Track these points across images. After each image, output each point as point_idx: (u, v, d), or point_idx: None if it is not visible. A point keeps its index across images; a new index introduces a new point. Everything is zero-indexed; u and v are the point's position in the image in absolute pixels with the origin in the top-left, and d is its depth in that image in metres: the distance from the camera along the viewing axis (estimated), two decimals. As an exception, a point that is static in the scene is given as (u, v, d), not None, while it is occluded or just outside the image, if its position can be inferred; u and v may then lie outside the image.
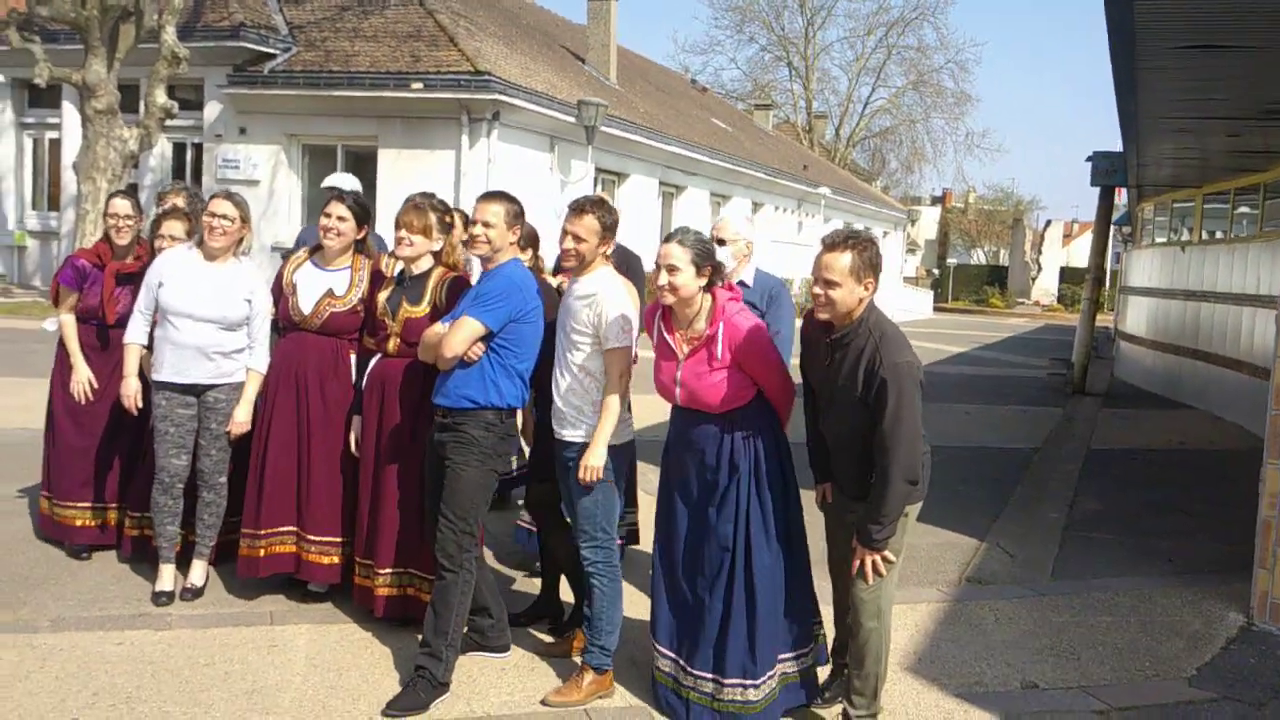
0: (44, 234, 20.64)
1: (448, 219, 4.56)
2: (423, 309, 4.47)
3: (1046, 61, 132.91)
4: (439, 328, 4.18)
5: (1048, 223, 61.64)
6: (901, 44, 53.07)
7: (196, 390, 4.88)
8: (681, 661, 3.99)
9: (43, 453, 5.61)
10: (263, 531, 4.81)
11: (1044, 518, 7.70)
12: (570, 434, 4.13)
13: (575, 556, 4.27)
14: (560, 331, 4.18)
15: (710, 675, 3.91)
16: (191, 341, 4.82)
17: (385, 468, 4.56)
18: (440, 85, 17.17)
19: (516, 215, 4.26)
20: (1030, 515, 7.77)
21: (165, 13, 16.19)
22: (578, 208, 4.14)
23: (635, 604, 4.82)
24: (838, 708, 4.03)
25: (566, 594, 4.87)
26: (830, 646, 4.29)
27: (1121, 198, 20.09)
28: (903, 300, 36.78)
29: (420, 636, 4.14)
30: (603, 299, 4.03)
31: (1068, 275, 53.18)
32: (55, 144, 20.27)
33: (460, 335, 4.04)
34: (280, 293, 4.92)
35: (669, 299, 3.92)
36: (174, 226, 5.31)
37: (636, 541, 5.40)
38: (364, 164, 17.59)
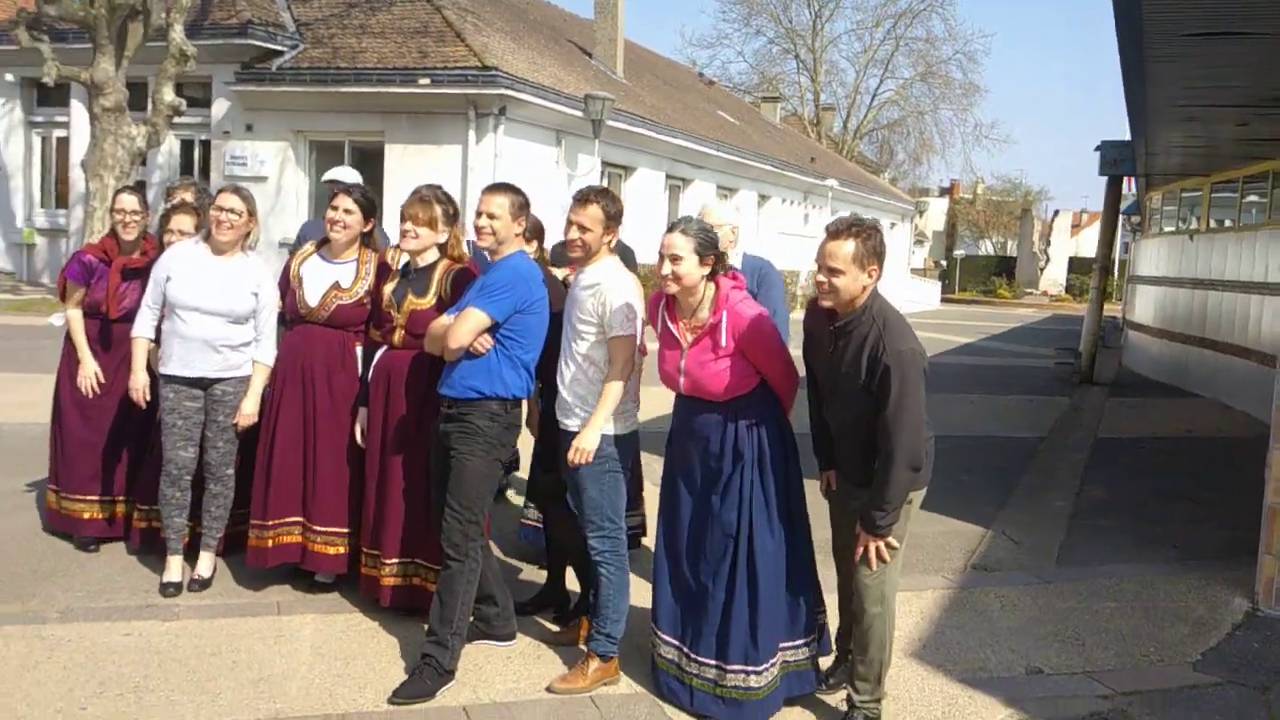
0: (52, 232, 20.70)
1: (452, 211, 4.58)
2: (428, 301, 4.48)
3: (1055, 52, 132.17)
4: (445, 319, 4.20)
5: (1056, 213, 61.25)
6: (909, 35, 53.04)
7: (204, 383, 4.91)
8: (685, 648, 4.01)
9: (50, 446, 5.64)
10: (270, 522, 4.85)
11: (1050, 506, 7.70)
12: (575, 424, 4.15)
13: (582, 546, 4.30)
14: (566, 321, 4.21)
15: (713, 662, 3.93)
16: (199, 335, 4.85)
17: (391, 459, 4.58)
18: (447, 80, 17.14)
19: (521, 207, 4.28)
20: (1037, 503, 7.77)
21: (173, 11, 16.23)
22: (582, 198, 4.17)
23: (638, 592, 4.83)
24: (842, 694, 4.05)
25: (572, 583, 4.90)
26: (835, 633, 4.30)
27: (1130, 187, 19.99)
28: (910, 291, 36.72)
29: (426, 625, 4.17)
30: (607, 288, 4.05)
31: (1076, 265, 52.93)
32: (63, 142, 20.33)
33: (466, 327, 4.06)
34: (287, 285, 4.95)
35: (672, 288, 3.94)
36: (183, 221, 5.34)
37: (637, 546, 5.29)
38: (371, 160, 17.60)
